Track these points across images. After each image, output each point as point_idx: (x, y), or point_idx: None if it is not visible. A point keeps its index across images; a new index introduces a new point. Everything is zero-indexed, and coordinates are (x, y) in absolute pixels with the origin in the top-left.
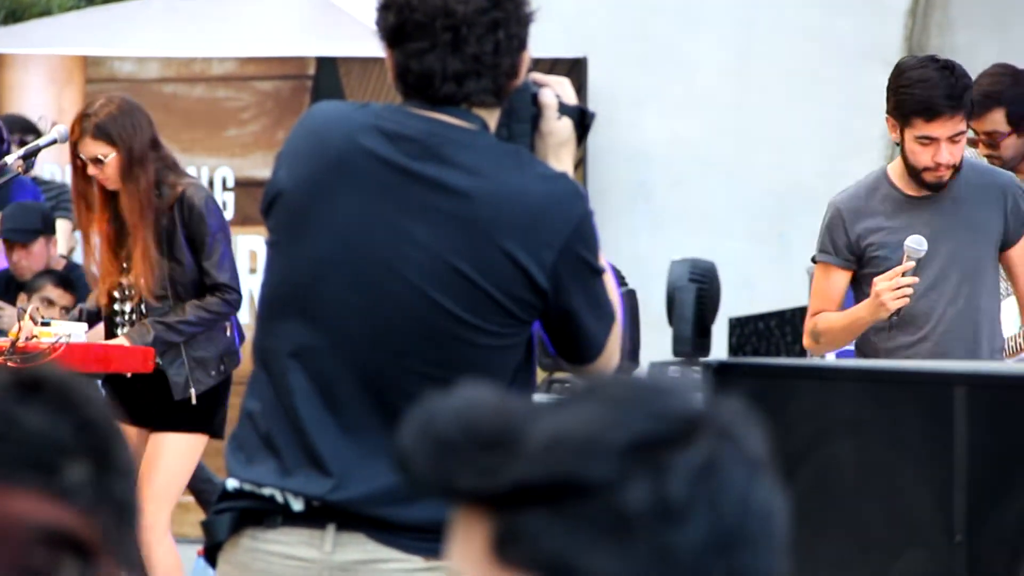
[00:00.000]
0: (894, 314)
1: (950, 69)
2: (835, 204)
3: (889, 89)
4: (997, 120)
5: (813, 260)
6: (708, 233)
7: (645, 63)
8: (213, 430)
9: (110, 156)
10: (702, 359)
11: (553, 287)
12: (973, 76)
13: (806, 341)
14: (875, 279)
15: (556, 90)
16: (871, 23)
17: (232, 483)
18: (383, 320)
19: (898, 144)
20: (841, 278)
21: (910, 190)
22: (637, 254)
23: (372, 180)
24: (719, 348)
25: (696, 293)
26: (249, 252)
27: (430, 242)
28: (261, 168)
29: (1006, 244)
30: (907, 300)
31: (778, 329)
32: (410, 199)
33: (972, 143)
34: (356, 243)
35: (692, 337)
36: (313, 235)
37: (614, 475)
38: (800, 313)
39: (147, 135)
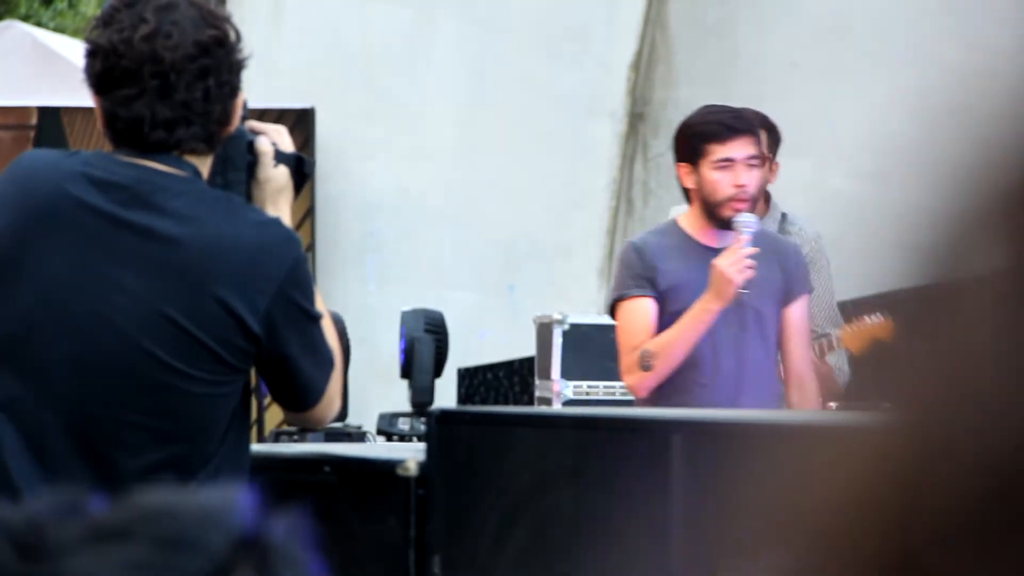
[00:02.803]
0: (744, 289)
1: (737, 107)
2: (631, 243)
3: (678, 139)
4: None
5: (611, 307)
6: (436, 284)
7: (372, 114)
8: None
9: None
10: (429, 408)
11: (267, 333)
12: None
13: (632, 377)
14: (714, 262)
15: (273, 138)
16: (595, 76)
17: None
18: (93, 370)
19: (686, 192)
20: (652, 307)
21: (705, 238)
22: (366, 305)
23: (80, 229)
24: (448, 398)
25: (434, 344)
26: None
27: (140, 290)
28: None
29: (786, 301)
30: (752, 272)
31: (506, 379)
32: (119, 247)
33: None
34: (65, 293)
35: (431, 387)
36: (22, 285)
37: None
38: (527, 363)
39: None
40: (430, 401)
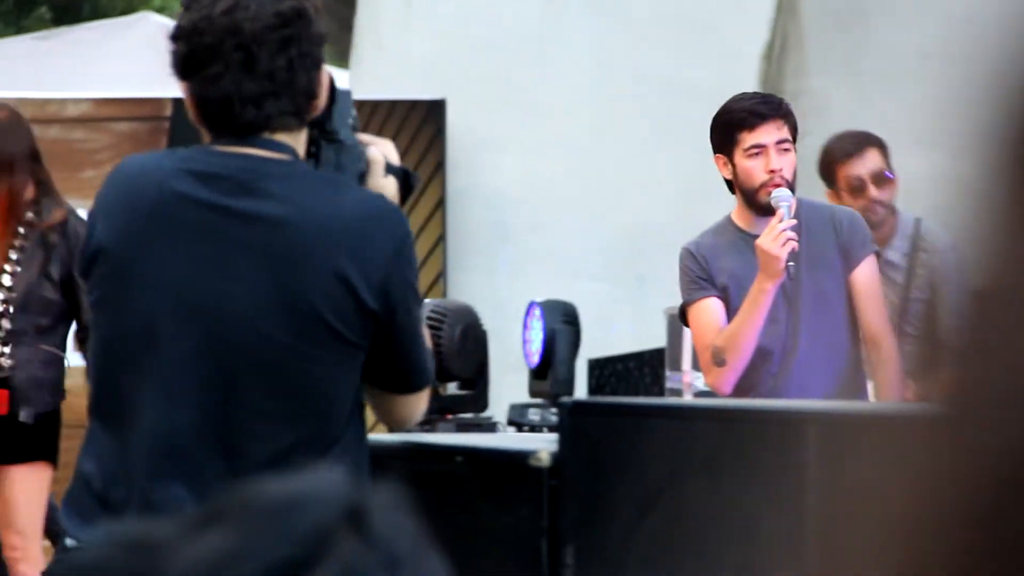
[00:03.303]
0: (789, 261)
1: (760, 93)
2: (685, 248)
3: (712, 129)
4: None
5: (682, 311)
6: (566, 275)
7: (503, 105)
8: (52, 458)
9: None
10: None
11: (381, 306)
12: (829, 119)
13: (711, 377)
14: (756, 242)
15: (383, 149)
16: (726, 67)
17: (70, 542)
18: (217, 362)
19: (729, 183)
20: (718, 304)
21: (752, 227)
22: (497, 296)
23: (190, 224)
24: (579, 389)
25: (572, 335)
26: None
27: (255, 276)
28: None
29: (849, 268)
30: (794, 244)
31: (636, 370)
32: (229, 236)
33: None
34: (182, 289)
35: (571, 379)
36: (138, 287)
37: None
38: (658, 355)
39: (26, 143)
40: (570, 392)
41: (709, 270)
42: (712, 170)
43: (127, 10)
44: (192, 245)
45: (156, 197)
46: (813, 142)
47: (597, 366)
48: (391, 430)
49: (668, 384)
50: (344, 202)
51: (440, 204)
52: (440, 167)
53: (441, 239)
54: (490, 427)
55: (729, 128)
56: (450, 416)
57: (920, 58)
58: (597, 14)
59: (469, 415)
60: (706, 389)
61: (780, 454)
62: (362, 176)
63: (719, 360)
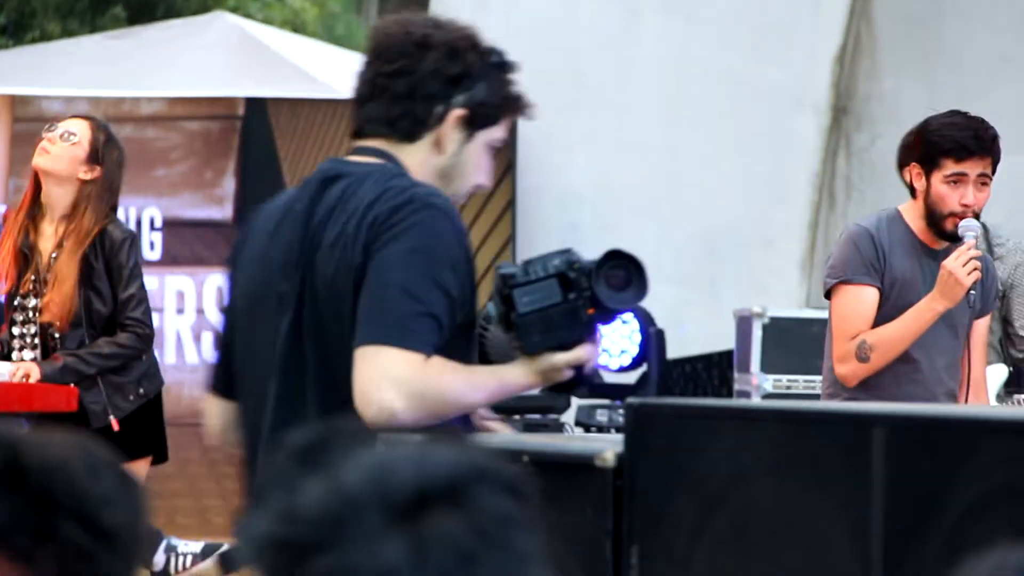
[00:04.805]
0: (971, 289)
1: (977, 119)
2: (866, 228)
3: (915, 137)
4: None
5: (828, 291)
6: None
7: (576, 107)
8: (146, 454)
9: (82, 133)
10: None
11: (363, 259)
12: (902, 122)
13: (845, 367)
14: (944, 263)
15: (583, 357)
16: (799, 69)
17: None
18: (271, 351)
19: (910, 189)
20: (874, 296)
21: (926, 239)
22: None
23: (270, 219)
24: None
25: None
26: (176, 292)
27: (293, 265)
28: (189, 208)
29: (976, 314)
30: (979, 274)
31: (705, 372)
32: (290, 229)
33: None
34: (250, 277)
35: (657, 380)
36: (237, 271)
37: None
38: (727, 357)
39: (117, 159)
40: (654, 394)
41: (884, 261)
42: (786, 171)
43: (201, 10)
44: (264, 238)
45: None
46: (884, 144)
47: (666, 367)
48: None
49: (736, 386)
50: (384, 185)
51: (510, 205)
52: (511, 168)
53: (511, 240)
54: (557, 427)
55: (935, 149)
56: (517, 416)
57: (995, 61)
58: (671, 15)
59: (537, 416)
60: (773, 391)
61: (847, 456)
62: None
63: (864, 356)
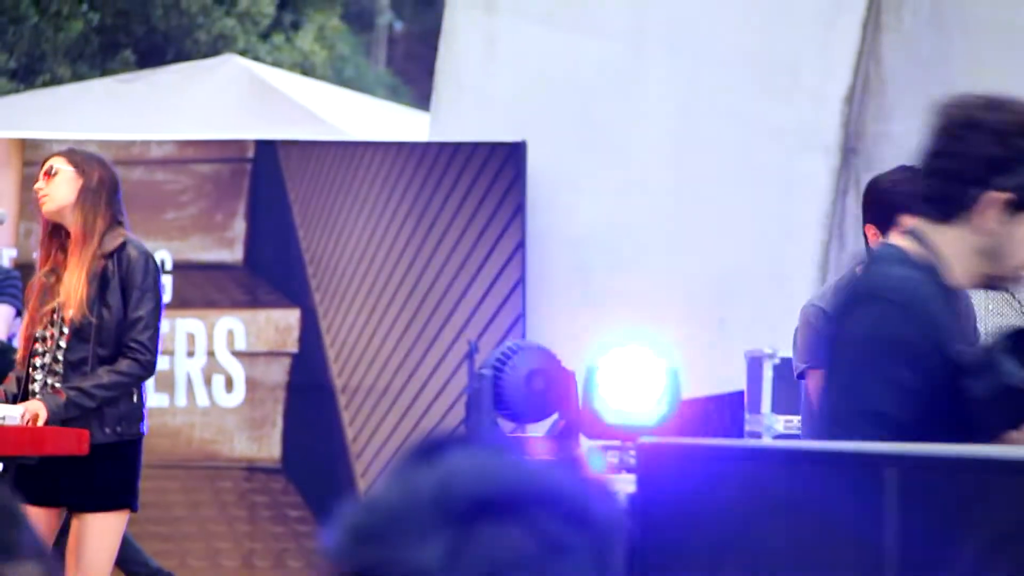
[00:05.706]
0: None
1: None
2: (819, 306)
3: (866, 197)
4: None
5: (800, 373)
6: (647, 317)
7: (583, 147)
8: (123, 505)
9: (65, 169)
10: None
11: None
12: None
13: None
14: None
15: None
16: (808, 110)
17: None
18: None
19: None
20: None
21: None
22: (577, 338)
23: None
24: None
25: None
26: (187, 335)
27: None
28: (199, 251)
29: None
30: None
31: (715, 412)
32: None
33: None
34: None
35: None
36: None
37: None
38: (737, 397)
39: (109, 176)
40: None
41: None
42: (795, 213)
43: (210, 52)
44: None
45: None
46: None
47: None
48: None
49: (747, 426)
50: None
51: (520, 246)
52: (520, 209)
53: (520, 282)
54: None
55: (889, 207)
56: None
57: None
58: (679, 55)
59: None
60: (784, 432)
61: (859, 497)
62: None
63: None
